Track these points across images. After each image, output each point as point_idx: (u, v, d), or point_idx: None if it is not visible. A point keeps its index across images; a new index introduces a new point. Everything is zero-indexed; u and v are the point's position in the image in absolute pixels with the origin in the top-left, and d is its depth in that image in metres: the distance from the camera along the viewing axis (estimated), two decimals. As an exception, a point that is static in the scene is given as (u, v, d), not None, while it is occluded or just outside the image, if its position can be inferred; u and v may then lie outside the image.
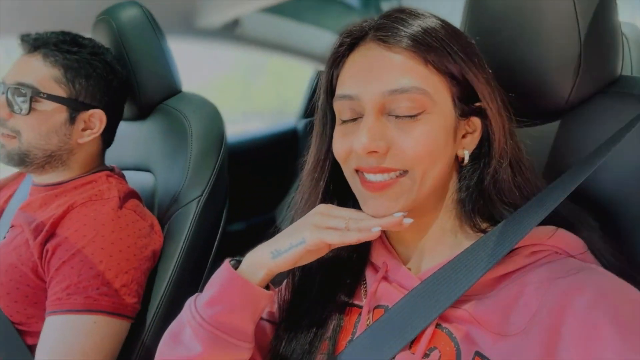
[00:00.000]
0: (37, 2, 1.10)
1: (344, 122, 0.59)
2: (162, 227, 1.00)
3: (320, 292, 0.63)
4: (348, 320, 0.61)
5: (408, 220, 0.55)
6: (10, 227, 0.93)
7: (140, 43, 1.07)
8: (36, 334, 0.84)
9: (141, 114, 1.11)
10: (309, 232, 0.56)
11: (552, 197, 0.54)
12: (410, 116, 0.54)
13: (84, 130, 0.94)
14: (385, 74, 0.55)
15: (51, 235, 0.87)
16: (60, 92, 0.91)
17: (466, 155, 0.58)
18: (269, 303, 0.61)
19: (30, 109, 0.88)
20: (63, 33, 0.95)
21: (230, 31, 1.62)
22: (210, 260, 1.07)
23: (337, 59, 0.60)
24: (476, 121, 0.58)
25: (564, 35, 0.61)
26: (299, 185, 0.67)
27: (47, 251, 0.86)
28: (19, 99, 0.88)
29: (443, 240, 0.60)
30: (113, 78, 0.98)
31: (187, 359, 0.58)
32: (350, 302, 0.63)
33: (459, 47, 0.55)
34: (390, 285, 0.60)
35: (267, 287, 0.60)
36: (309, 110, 2.18)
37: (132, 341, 0.88)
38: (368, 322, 0.59)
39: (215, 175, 1.03)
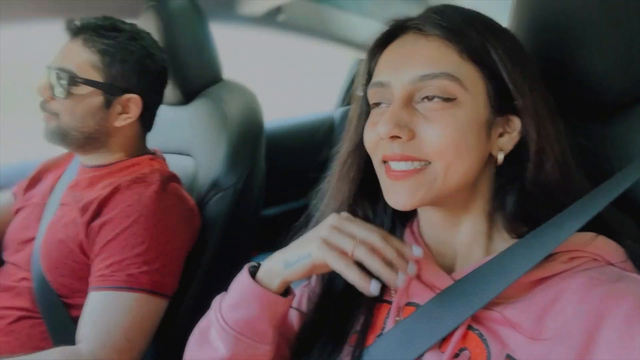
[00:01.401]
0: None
1: (375, 110, 0.59)
2: (201, 210, 1.03)
3: (349, 286, 0.62)
4: (377, 315, 0.62)
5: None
6: (60, 205, 0.98)
7: (185, 30, 1.09)
8: (80, 307, 0.88)
9: (184, 100, 1.14)
10: (316, 247, 0.55)
11: (596, 202, 0.52)
12: (440, 103, 0.53)
13: (120, 114, 0.97)
14: (417, 61, 0.54)
15: (97, 214, 0.91)
16: (97, 76, 0.94)
17: (500, 156, 0.57)
18: (289, 306, 0.62)
19: (68, 93, 0.92)
20: (104, 18, 0.97)
21: (273, 18, 1.62)
22: (246, 242, 1.10)
23: (376, 49, 0.60)
24: (516, 121, 0.56)
25: (614, 34, 0.59)
26: (329, 174, 0.67)
27: (93, 229, 0.90)
28: (59, 83, 0.91)
29: (477, 242, 0.59)
30: (150, 63, 0.99)
31: None
32: (380, 297, 0.62)
33: (497, 41, 0.54)
34: (422, 283, 0.60)
35: (287, 291, 0.61)
36: (347, 99, 2.17)
37: (168, 320, 0.92)
38: (398, 319, 0.59)
39: (253, 161, 1.05)
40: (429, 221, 0.62)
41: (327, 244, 0.55)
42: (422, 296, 0.58)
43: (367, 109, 0.61)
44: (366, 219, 0.64)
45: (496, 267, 0.54)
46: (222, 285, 1.04)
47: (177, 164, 1.09)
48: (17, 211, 1.06)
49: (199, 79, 1.12)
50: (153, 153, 1.05)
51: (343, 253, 0.54)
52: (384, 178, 0.58)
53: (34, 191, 1.07)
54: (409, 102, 0.55)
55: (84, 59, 0.93)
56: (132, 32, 0.98)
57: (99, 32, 0.95)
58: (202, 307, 0.96)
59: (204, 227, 1.00)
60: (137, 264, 0.86)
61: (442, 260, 0.61)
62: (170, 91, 1.10)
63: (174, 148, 1.15)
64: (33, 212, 1.02)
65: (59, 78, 0.91)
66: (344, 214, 0.59)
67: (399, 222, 0.66)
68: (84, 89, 0.93)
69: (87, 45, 0.93)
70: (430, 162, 0.54)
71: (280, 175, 1.69)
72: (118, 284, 0.85)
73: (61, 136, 0.94)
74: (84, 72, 0.93)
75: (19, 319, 0.92)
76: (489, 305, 0.53)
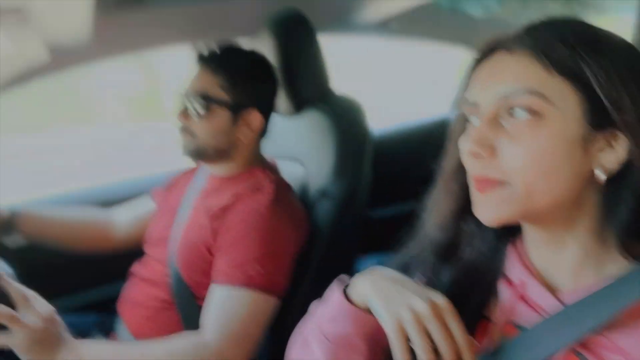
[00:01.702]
0: (206, 15, 1.28)
1: (470, 127, 0.59)
2: (309, 215, 1.10)
3: (449, 299, 0.62)
4: (477, 333, 0.60)
5: None
6: (192, 209, 1.12)
7: (296, 47, 1.18)
8: (203, 299, 1.01)
9: (295, 110, 1.22)
10: (389, 318, 0.54)
11: None
12: (525, 120, 0.51)
13: (245, 128, 1.08)
14: (501, 79, 0.54)
15: (221, 220, 1.02)
16: (226, 97, 1.05)
17: (599, 173, 0.52)
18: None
19: (204, 115, 1.04)
20: (227, 47, 1.10)
21: (386, 25, 1.65)
22: (352, 246, 1.15)
23: (471, 68, 0.60)
24: (622, 136, 0.51)
25: None
26: (433, 189, 0.66)
27: (218, 233, 1.01)
28: (195, 106, 1.04)
29: (586, 262, 0.55)
30: (267, 81, 1.11)
31: None
32: (482, 315, 0.61)
33: (593, 53, 0.51)
34: (525, 303, 0.58)
35: None
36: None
37: (280, 319, 1.00)
38: (498, 338, 0.58)
39: (358, 170, 1.10)
40: (533, 239, 0.60)
41: (403, 326, 0.53)
42: (525, 317, 0.57)
43: (465, 125, 0.61)
44: (471, 234, 0.63)
45: (609, 292, 0.51)
46: (328, 287, 1.10)
47: (289, 170, 1.18)
48: (157, 212, 1.24)
49: (309, 91, 1.20)
50: (268, 162, 1.16)
51: (406, 338, 0.53)
52: (473, 191, 0.57)
53: (170, 196, 1.24)
54: (494, 120, 0.54)
55: (215, 82, 1.05)
56: (251, 55, 1.10)
57: (224, 57, 1.07)
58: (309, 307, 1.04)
59: (312, 231, 1.07)
60: (253, 265, 0.96)
61: (548, 279, 0.58)
62: (283, 102, 1.20)
63: (285, 155, 1.25)
64: (169, 214, 1.17)
65: (195, 102, 1.04)
66: (443, 302, 0.55)
67: (504, 238, 0.64)
68: (217, 109, 1.04)
69: (216, 71, 1.05)
70: (507, 182, 0.53)
71: (392, 177, 1.72)
72: (237, 281, 0.95)
73: (198, 153, 1.07)
74: (215, 94, 1.04)
75: (161, 308, 1.07)
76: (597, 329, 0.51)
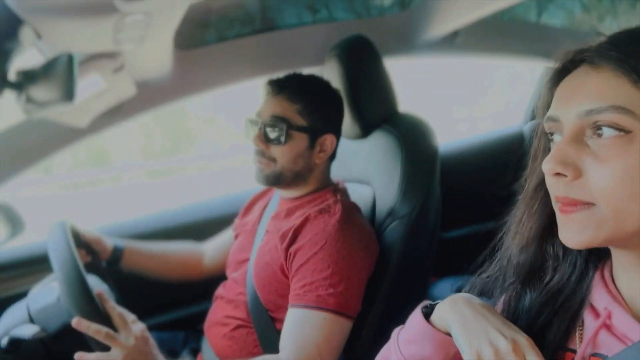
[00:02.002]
0: (276, 47, 1.34)
1: (553, 146, 0.58)
2: (379, 236, 1.11)
3: (530, 329, 0.61)
4: None
5: None
6: (266, 232, 1.17)
7: (363, 72, 1.21)
8: (282, 321, 1.04)
9: (362, 134, 1.25)
10: (469, 351, 0.54)
11: None
12: (611, 139, 0.50)
13: (319, 152, 1.12)
14: (585, 95, 0.52)
15: (293, 241, 1.06)
16: (303, 122, 1.09)
17: None
18: None
19: (285, 140, 1.08)
20: (298, 75, 1.15)
21: (450, 42, 1.64)
22: (424, 268, 1.14)
23: (553, 82, 0.59)
24: None
25: None
26: (514, 209, 0.65)
27: (290, 255, 1.05)
28: (274, 131, 1.08)
29: None
30: (337, 105, 1.15)
31: None
32: (563, 345, 0.59)
33: None
34: (611, 333, 0.55)
35: None
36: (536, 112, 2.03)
37: (353, 341, 1.01)
38: None
39: (427, 190, 1.09)
40: (621, 264, 0.57)
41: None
42: (610, 348, 0.54)
43: (548, 143, 0.60)
44: (556, 257, 0.62)
45: None
46: (402, 309, 1.09)
47: (357, 193, 1.20)
48: (236, 237, 1.31)
49: (376, 114, 1.22)
50: (336, 184, 1.18)
51: None
52: (557, 213, 0.56)
53: (246, 219, 1.30)
54: (578, 138, 0.52)
55: (293, 109, 1.09)
56: (322, 81, 1.16)
57: (299, 86, 1.12)
58: (383, 330, 1.04)
59: (382, 253, 1.08)
60: (325, 286, 0.98)
61: (636, 308, 0.55)
62: (350, 126, 1.23)
63: (354, 178, 1.27)
64: (246, 237, 1.23)
65: (275, 127, 1.08)
66: (525, 341, 0.54)
67: (592, 263, 0.62)
68: (296, 134, 1.09)
69: (292, 98, 1.09)
70: (594, 204, 0.51)
71: (463, 196, 1.68)
72: (309, 303, 0.98)
73: (276, 178, 1.10)
74: (293, 120, 1.09)
75: (238, 327, 1.13)
76: None
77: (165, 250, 1.33)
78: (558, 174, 0.52)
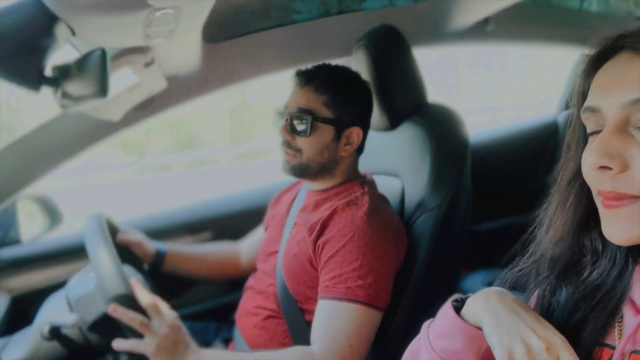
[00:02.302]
0: (304, 39, 1.34)
1: (592, 137, 0.55)
2: (408, 229, 1.10)
3: (565, 324, 0.59)
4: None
5: None
6: (294, 224, 1.18)
7: (392, 63, 1.19)
8: (311, 313, 1.05)
9: (391, 125, 1.23)
10: (500, 349, 0.53)
11: None
12: None
13: (345, 144, 1.12)
14: (629, 83, 0.50)
15: (321, 233, 1.06)
16: (329, 114, 1.09)
17: None
18: None
19: (310, 131, 1.08)
20: (326, 66, 1.14)
21: (481, 30, 1.60)
22: (454, 260, 1.13)
23: (589, 70, 0.57)
24: None
25: None
26: (546, 202, 0.64)
27: (318, 247, 1.05)
28: (300, 123, 1.08)
29: None
30: (365, 97, 1.14)
31: None
32: (601, 340, 0.58)
33: None
34: None
35: None
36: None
37: (382, 333, 1.00)
38: None
39: (457, 182, 1.07)
40: None
41: (510, 358, 0.53)
42: None
43: (584, 133, 0.58)
44: (594, 252, 0.60)
45: None
46: (432, 302, 1.08)
47: (386, 185, 1.19)
48: (266, 229, 1.32)
49: (405, 106, 1.20)
50: (364, 176, 1.18)
51: None
52: (600, 207, 0.54)
53: (275, 211, 1.31)
54: (623, 128, 0.50)
55: (320, 101, 1.09)
56: (350, 74, 1.14)
57: (327, 77, 1.11)
58: (412, 324, 1.03)
59: (411, 245, 1.07)
60: (353, 278, 0.98)
61: None
62: (378, 118, 1.21)
63: (382, 170, 1.26)
64: (275, 230, 1.24)
65: (301, 119, 1.08)
66: (559, 340, 0.53)
67: (631, 257, 0.59)
68: (322, 126, 1.09)
69: (319, 90, 1.09)
70: None
71: (495, 188, 1.64)
72: (339, 295, 0.98)
73: (302, 169, 1.11)
74: (320, 112, 1.09)
75: (268, 317, 1.14)
76: None
77: (204, 252, 1.38)
78: (603, 167, 0.50)
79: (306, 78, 1.12)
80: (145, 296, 0.98)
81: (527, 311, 0.57)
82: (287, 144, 1.11)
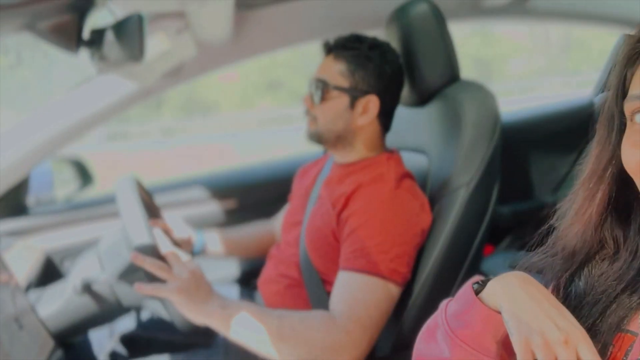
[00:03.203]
0: (339, 10, 1.32)
1: (637, 128, 0.53)
2: (433, 207, 1.09)
3: (589, 310, 0.58)
4: (618, 347, 0.56)
5: None
6: (318, 197, 1.18)
7: (425, 36, 1.16)
8: (332, 284, 1.06)
9: (420, 101, 1.21)
10: (518, 338, 0.52)
11: None
12: None
13: (361, 114, 1.11)
14: None
15: (344, 207, 1.06)
16: (344, 82, 1.10)
17: None
18: None
19: (322, 99, 1.10)
20: (348, 35, 1.13)
21: (520, 6, 1.55)
22: (477, 240, 1.12)
23: (633, 56, 0.54)
24: None
25: None
26: (572, 193, 0.61)
27: (342, 220, 1.06)
28: (317, 91, 1.11)
29: None
30: (387, 68, 1.12)
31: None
32: (623, 327, 0.56)
33: None
34: None
35: None
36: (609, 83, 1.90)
37: (400, 307, 1.02)
38: None
39: (486, 162, 1.06)
40: None
41: (528, 351, 0.52)
42: None
43: (620, 123, 0.55)
44: (615, 244, 0.59)
45: None
46: (452, 281, 1.09)
47: (412, 161, 1.18)
48: (290, 199, 1.33)
49: (435, 81, 1.18)
50: (391, 152, 1.17)
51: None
52: None
53: (300, 184, 1.32)
54: None
55: (335, 69, 1.10)
56: (371, 42, 1.12)
57: (345, 45, 1.11)
58: (432, 300, 1.04)
59: (435, 223, 1.07)
60: (375, 252, 0.99)
61: None
62: (407, 93, 1.20)
63: (409, 146, 1.25)
64: (300, 201, 1.26)
65: (316, 88, 1.11)
66: (579, 333, 0.52)
67: None
68: (335, 94, 1.10)
69: (337, 58, 1.11)
70: None
71: (522, 169, 1.62)
72: (360, 267, 0.99)
73: (318, 137, 1.14)
74: (334, 80, 1.10)
75: (289, 285, 1.16)
76: None
77: (242, 235, 1.41)
78: None
79: (328, 48, 1.14)
80: (166, 246, 1.01)
81: (549, 300, 0.55)
82: (307, 112, 1.15)
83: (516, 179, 1.45)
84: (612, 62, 1.86)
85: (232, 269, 1.60)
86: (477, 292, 0.60)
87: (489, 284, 0.60)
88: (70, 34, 0.61)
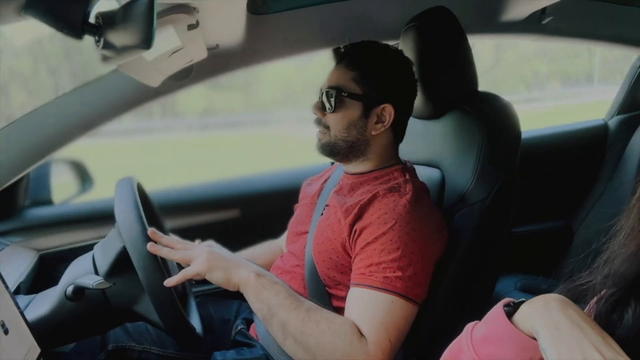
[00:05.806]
0: (353, 17, 1.29)
1: None
2: (447, 222, 1.04)
3: (631, 344, 0.54)
4: None
5: None
6: (326, 206, 1.13)
7: (441, 46, 1.13)
8: (339, 298, 1.00)
9: (436, 113, 1.17)
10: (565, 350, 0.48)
11: None
12: None
13: (376, 123, 1.07)
14: None
15: (358, 217, 1.01)
16: (357, 90, 1.05)
17: None
18: None
19: (335, 107, 1.05)
20: (361, 42, 1.10)
21: (536, 22, 1.52)
22: (492, 260, 1.07)
23: None
24: None
25: None
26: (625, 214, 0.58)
27: (355, 231, 1.00)
28: (328, 100, 1.06)
29: None
30: (402, 76, 1.08)
31: None
32: None
33: None
34: None
35: None
36: (627, 105, 1.86)
37: (416, 326, 0.95)
38: None
39: (504, 177, 1.01)
40: None
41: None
42: None
43: None
44: None
45: None
46: (465, 302, 1.03)
47: (425, 175, 1.13)
48: (296, 209, 1.28)
49: (451, 92, 1.14)
50: (404, 164, 1.12)
51: None
52: None
53: (307, 192, 1.27)
54: None
55: (348, 77, 1.06)
56: (385, 50, 1.09)
57: (358, 52, 1.08)
58: (445, 322, 0.98)
59: (450, 239, 1.01)
60: (392, 268, 0.93)
61: None
62: (422, 105, 1.15)
63: (422, 159, 1.20)
64: (305, 210, 1.21)
65: (328, 95, 1.06)
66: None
67: None
68: (348, 102, 1.05)
69: (350, 65, 1.07)
70: None
71: (537, 189, 1.57)
72: (376, 284, 0.93)
73: (331, 148, 1.09)
74: (347, 88, 1.06)
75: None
76: None
77: (252, 256, 1.35)
78: None
79: (340, 55, 1.10)
80: (166, 238, 0.98)
81: (592, 326, 0.51)
82: (318, 121, 1.10)
83: (528, 200, 1.40)
84: (627, 84, 1.83)
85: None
86: (509, 315, 0.55)
87: (523, 307, 0.55)
88: (75, 18, 0.57)
